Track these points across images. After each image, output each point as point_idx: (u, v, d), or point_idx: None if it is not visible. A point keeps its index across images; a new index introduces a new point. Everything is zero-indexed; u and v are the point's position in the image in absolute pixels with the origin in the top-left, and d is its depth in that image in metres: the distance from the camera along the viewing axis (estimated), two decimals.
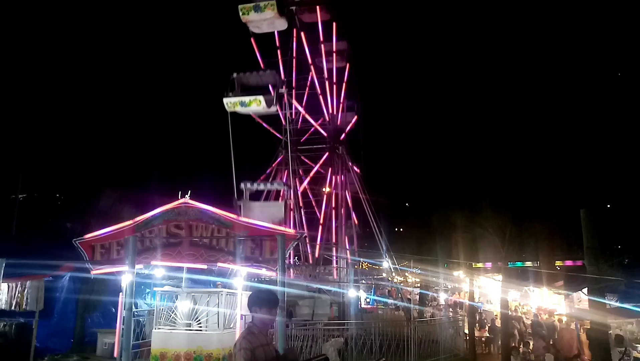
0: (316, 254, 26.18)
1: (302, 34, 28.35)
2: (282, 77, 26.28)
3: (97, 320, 18.68)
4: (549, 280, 26.44)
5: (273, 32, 27.93)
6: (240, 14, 25.17)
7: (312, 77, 28.68)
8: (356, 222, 30.92)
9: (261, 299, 4.64)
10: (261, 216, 23.38)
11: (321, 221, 27.73)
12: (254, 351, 4.38)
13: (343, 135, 30.21)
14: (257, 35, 27.40)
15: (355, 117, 31.18)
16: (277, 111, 24.94)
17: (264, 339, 4.54)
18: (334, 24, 29.47)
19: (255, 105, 23.60)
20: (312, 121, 28.58)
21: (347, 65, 30.65)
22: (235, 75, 24.07)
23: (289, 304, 21.15)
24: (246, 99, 23.52)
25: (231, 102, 23.66)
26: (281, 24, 26.20)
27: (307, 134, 28.89)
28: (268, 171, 27.35)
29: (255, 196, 24.50)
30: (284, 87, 24.38)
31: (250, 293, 5.02)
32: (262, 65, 26.96)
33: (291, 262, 26.30)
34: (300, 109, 28.39)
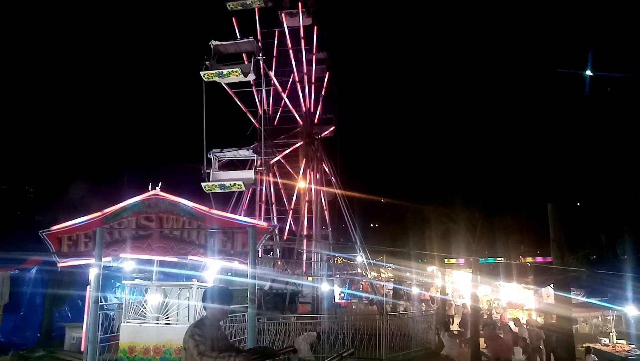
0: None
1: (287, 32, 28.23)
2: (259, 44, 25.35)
3: (65, 314, 18.36)
4: (519, 275, 26.99)
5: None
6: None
7: (291, 67, 28.64)
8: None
9: (213, 294, 4.75)
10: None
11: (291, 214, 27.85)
12: (205, 339, 4.46)
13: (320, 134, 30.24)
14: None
15: (333, 127, 31.09)
16: (252, 87, 24.96)
17: (215, 334, 4.65)
18: (315, 28, 29.33)
19: (234, 77, 23.17)
20: (286, 101, 28.38)
21: (327, 74, 30.61)
22: (213, 43, 23.55)
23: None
24: (225, 70, 23.01)
25: (209, 74, 23.10)
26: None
27: (280, 118, 28.86)
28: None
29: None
30: (260, 54, 23.78)
31: (206, 287, 5.11)
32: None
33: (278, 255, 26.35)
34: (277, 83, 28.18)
